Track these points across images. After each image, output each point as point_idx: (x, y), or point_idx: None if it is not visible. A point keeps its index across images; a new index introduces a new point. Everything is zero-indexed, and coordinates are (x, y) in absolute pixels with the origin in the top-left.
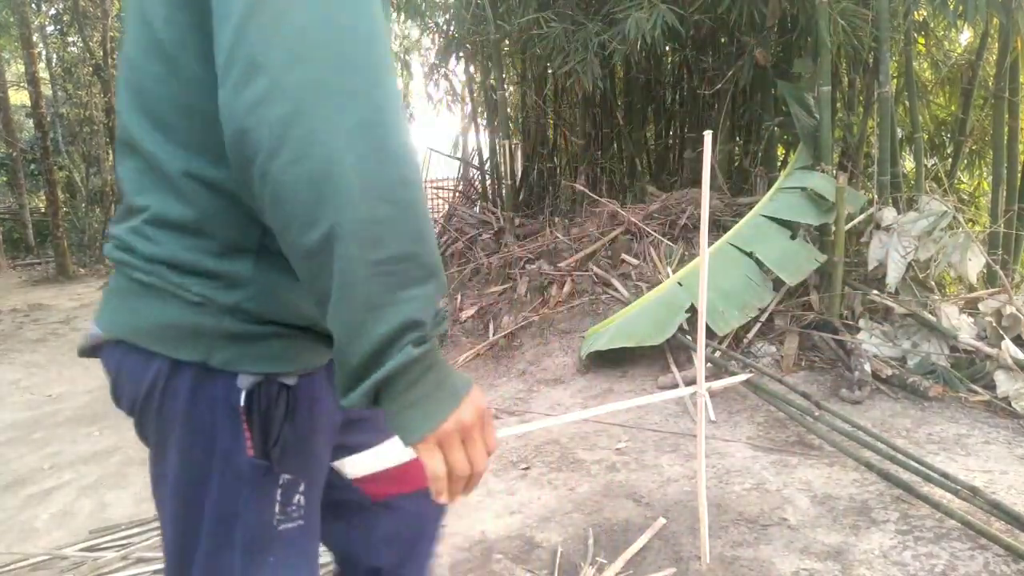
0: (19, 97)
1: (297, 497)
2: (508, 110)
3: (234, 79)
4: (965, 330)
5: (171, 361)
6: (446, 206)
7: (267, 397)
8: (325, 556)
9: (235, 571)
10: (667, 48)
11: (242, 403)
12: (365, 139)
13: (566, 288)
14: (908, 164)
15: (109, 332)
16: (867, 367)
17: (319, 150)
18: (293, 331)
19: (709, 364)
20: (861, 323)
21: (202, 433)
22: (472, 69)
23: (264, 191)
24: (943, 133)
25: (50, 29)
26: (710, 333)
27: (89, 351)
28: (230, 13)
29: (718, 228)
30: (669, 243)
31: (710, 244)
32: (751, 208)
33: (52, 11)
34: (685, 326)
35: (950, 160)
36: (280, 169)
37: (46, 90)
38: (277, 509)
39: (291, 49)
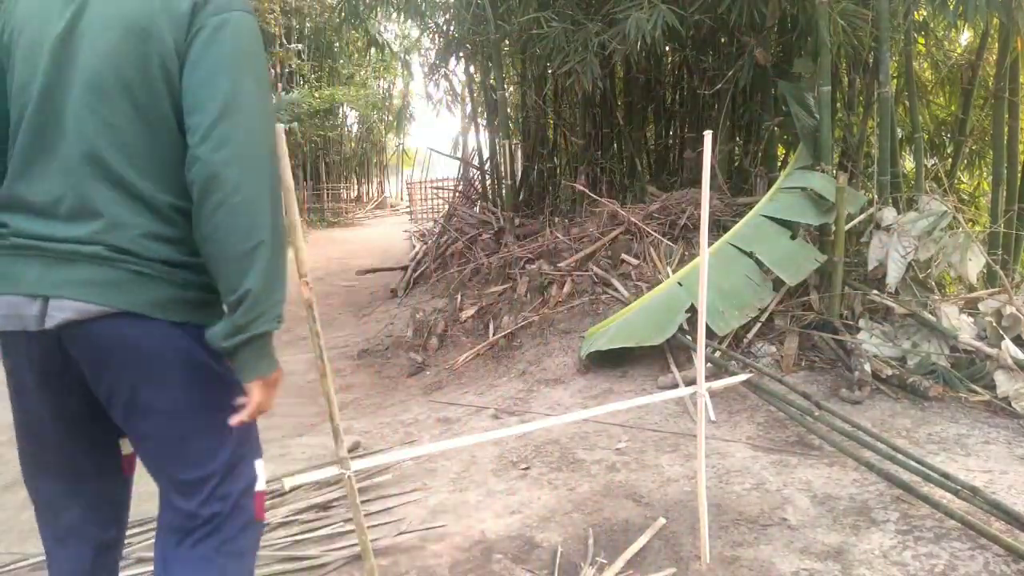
0: None
1: (234, 385)
2: (508, 110)
3: (210, 146)
4: (965, 330)
5: (168, 322)
6: (446, 206)
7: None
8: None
9: (247, 440)
10: (667, 48)
11: (196, 338)
12: (272, 195)
13: (566, 288)
14: (908, 164)
15: (111, 306)
16: (867, 367)
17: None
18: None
19: (709, 364)
20: (861, 323)
21: (196, 359)
22: (472, 69)
23: (217, 213)
24: (943, 133)
25: None
26: (710, 333)
27: (73, 324)
28: (207, 109)
29: (718, 228)
30: (669, 243)
31: (710, 244)
32: (751, 208)
33: None
34: (685, 326)
35: (950, 160)
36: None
37: None
38: (235, 391)
39: (242, 139)
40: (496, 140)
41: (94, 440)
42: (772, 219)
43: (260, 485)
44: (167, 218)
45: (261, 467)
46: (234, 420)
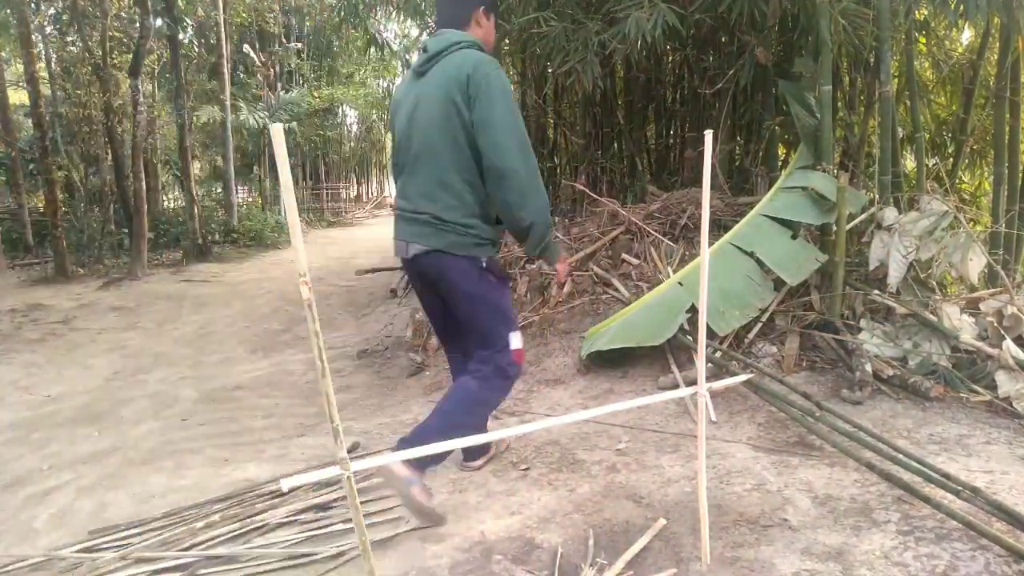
0: (18, 97)
1: (507, 291)
2: None
3: (494, 154)
4: (966, 330)
5: (459, 256)
6: None
7: (492, 262)
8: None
9: (507, 316)
10: (667, 47)
11: (484, 266)
12: (537, 181)
13: (566, 288)
14: (909, 164)
15: (434, 247)
16: (868, 367)
17: (512, 191)
18: (493, 245)
19: (710, 364)
20: (862, 323)
21: (482, 280)
22: None
23: (508, 193)
24: (944, 133)
25: (49, 29)
26: (711, 333)
27: (411, 259)
28: (491, 135)
29: (719, 228)
30: (670, 243)
31: (711, 244)
32: (752, 207)
33: (51, 11)
34: (686, 326)
35: (951, 160)
36: (516, 186)
37: (45, 90)
38: (507, 295)
39: (513, 143)
40: None
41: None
42: (773, 219)
43: (516, 345)
44: (464, 201)
45: (517, 336)
46: (560, 277)
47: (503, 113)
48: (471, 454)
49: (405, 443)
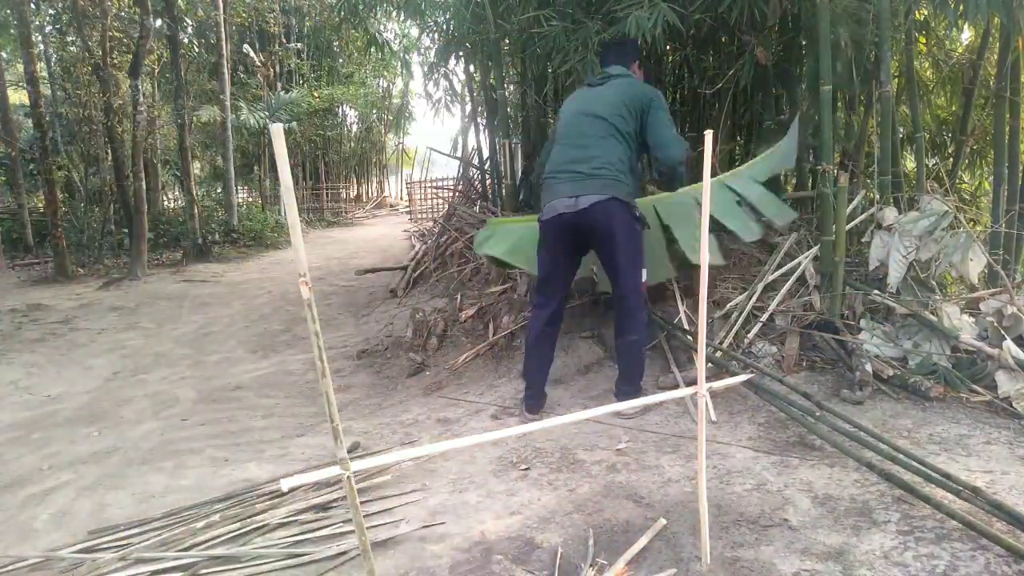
0: (18, 97)
1: (645, 234)
2: (508, 109)
3: (665, 153)
4: (966, 330)
5: (624, 203)
6: (446, 206)
7: (641, 214)
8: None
9: (642, 264)
10: (667, 47)
11: (639, 216)
12: (685, 160)
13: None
14: (909, 164)
15: (606, 195)
16: (868, 367)
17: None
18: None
19: (710, 364)
20: (862, 323)
21: (635, 224)
22: (472, 68)
23: (674, 175)
24: (944, 133)
25: (49, 29)
26: (711, 334)
27: (584, 209)
28: (664, 139)
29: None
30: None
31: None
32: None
33: (51, 11)
34: (687, 326)
35: (951, 160)
36: (673, 161)
37: (45, 90)
38: (645, 241)
39: (675, 152)
40: (496, 140)
41: (573, 266)
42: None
43: (645, 278)
44: (625, 164)
45: (646, 272)
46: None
47: (670, 126)
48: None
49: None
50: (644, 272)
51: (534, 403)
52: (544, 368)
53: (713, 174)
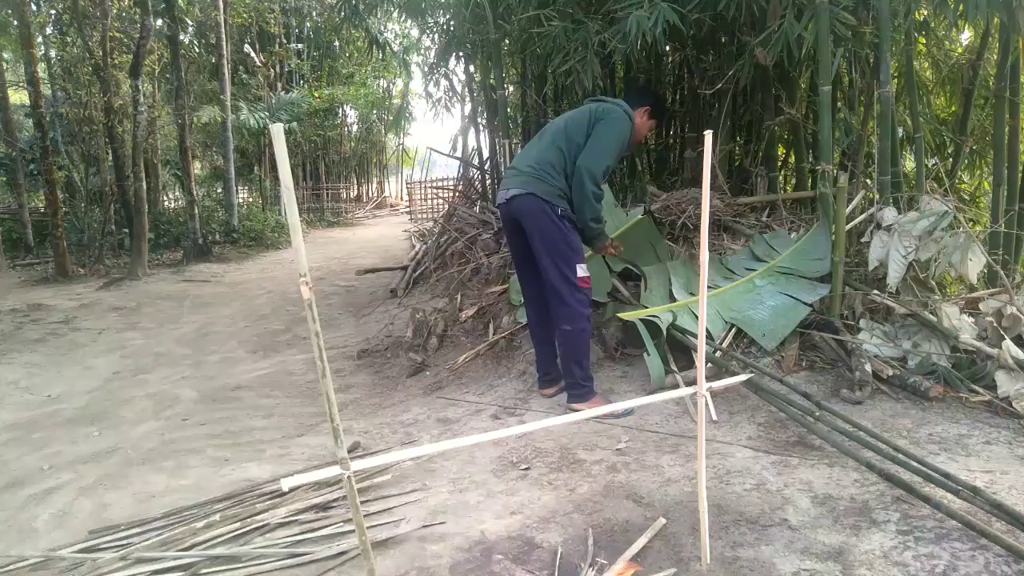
0: (19, 97)
1: (575, 236)
2: (508, 110)
3: (582, 155)
4: (966, 330)
5: (543, 200)
6: (446, 206)
7: (566, 213)
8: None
9: (578, 255)
10: (667, 47)
11: (560, 214)
12: (591, 185)
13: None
14: (909, 164)
15: (525, 190)
16: (868, 367)
17: (584, 184)
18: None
19: (709, 364)
20: (862, 323)
21: (557, 221)
22: (472, 68)
23: (575, 182)
24: (944, 133)
25: (50, 29)
26: (711, 333)
27: (509, 199)
28: (590, 143)
29: (718, 228)
30: (670, 243)
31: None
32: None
33: (52, 11)
34: (686, 326)
35: (951, 160)
36: (580, 187)
37: (46, 90)
38: (576, 237)
39: (591, 156)
40: (496, 140)
41: (532, 262)
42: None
43: (582, 273)
44: (561, 177)
45: (584, 267)
46: (608, 252)
47: (605, 138)
48: (575, 398)
49: (568, 389)
50: (580, 267)
51: (544, 382)
52: (548, 354)
53: (713, 174)
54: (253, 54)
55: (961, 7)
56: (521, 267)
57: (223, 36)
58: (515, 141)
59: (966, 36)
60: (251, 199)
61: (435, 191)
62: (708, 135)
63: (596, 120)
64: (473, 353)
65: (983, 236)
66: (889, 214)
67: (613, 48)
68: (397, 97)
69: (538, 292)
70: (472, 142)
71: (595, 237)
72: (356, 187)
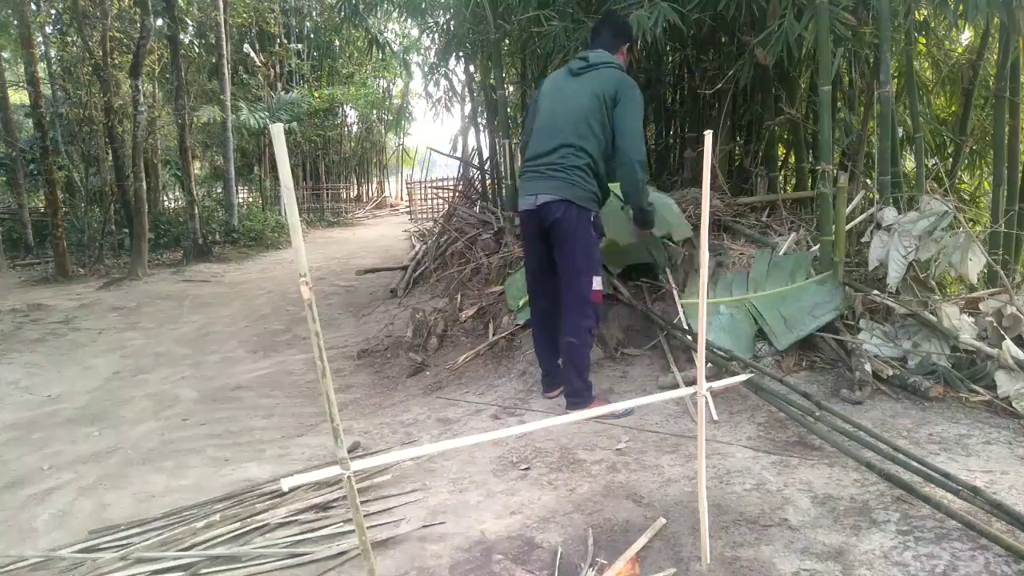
0: (18, 97)
1: (599, 246)
2: (508, 109)
3: (624, 144)
4: (966, 330)
5: (579, 207)
6: (446, 206)
7: (598, 220)
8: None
9: (597, 267)
10: (667, 47)
11: (592, 219)
12: (642, 173)
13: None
14: (909, 164)
15: (559, 196)
16: (868, 367)
17: (636, 173)
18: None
19: (709, 364)
20: (862, 323)
21: (589, 230)
22: (472, 68)
23: (626, 175)
24: (944, 133)
25: (50, 29)
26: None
27: (540, 206)
28: (625, 130)
29: (718, 228)
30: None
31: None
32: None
33: (52, 11)
34: (686, 326)
35: (951, 160)
36: (632, 177)
37: (46, 90)
38: (598, 248)
39: (634, 145)
40: (496, 140)
41: (551, 269)
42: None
43: (597, 287)
44: (590, 164)
45: (599, 280)
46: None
47: (635, 120)
48: (575, 405)
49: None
50: (596, 280)
51: (547, 384)
52: (550, 355)
53: (713, 174)
54: (253, 54)
55: (961, 7)
56: (538, 273)
57: (223, 36)
58: (515, 141)
59: (966, 36)
60: (251, 199)
61: (435, 191)
62: (708, 135)
63: (609, 101)
64: (473, 353)
65: (983, 236)
66: (889, 214)
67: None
68: (397, 97)
69: (552, 301)
70: (472, 142)
71: (647, 219)
72: (356, 187)
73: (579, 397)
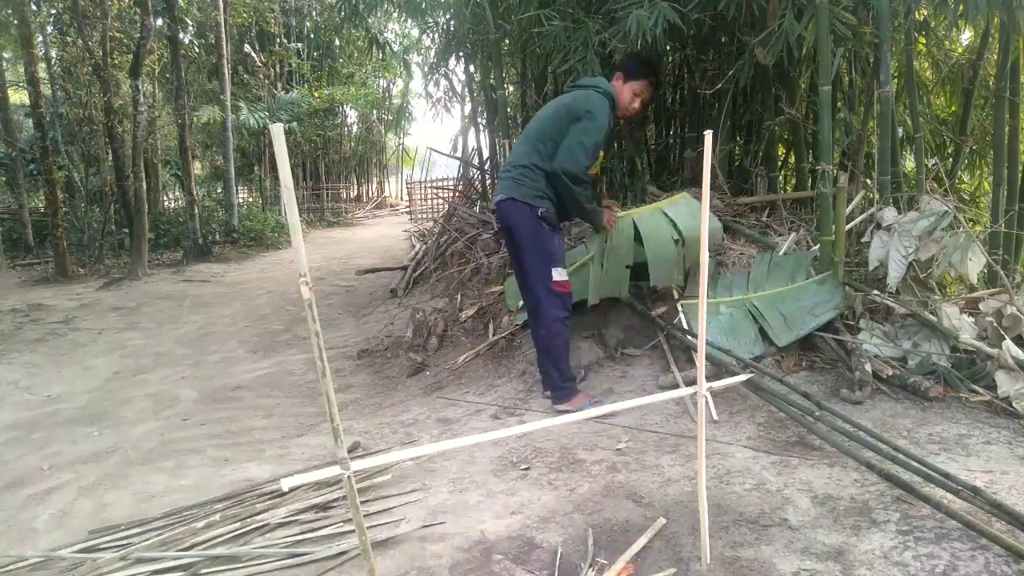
0: (18, 97)
1: (559, 238)
2: (508, 109)
3: (558, 155)
4: (966, 330)
5: (524, 203)
6: (446, 206)
7: (546, 214)
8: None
9: (554, 258)
10: (667, 47)
11: (540, 215)
12: (576, 183)
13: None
14: (909, 164)
15: (507, 196)
16: (868, 367)
17: (563, 183)
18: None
19: (709, 364)
20: (862, 323)
21: (537, 224)
22: (472, 68)
23: (557, 183)
24: (944, 133)
25: (50, 29)
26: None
27: (496, 205)
28: (565, 144)
29: None
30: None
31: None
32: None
33: (52, 11)
34: (686, 325)
35: (951, 160)
36: (562, 188)
37: (46, 90)
38: (557, 240)
39: (566, 156)
40: (496, 140)
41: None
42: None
43: (558, 277)
44: (540, 173)
45: (561, 271)
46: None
47: (581, 136)
48: (558, 399)
49: (552, 392)
50: (556, 271)
51: (546, 383)
52: None
53: (713, 174)
54: (253, 54)
55: (961, 7)
56: (518, 271)
57: (223, 36)
58: (515, 141)
59: (966, 36)
60: (251, 199)
61: (435, 191)
62: (708, 135)
63: (574, 117)
64: (473, 353)
65: (983, 236)
66: (889, 214)
67: (613, 48)
68: (397, 97)
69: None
70: (472, 142)
71: (592, 220)
72: (356, 187)
73: (561, 391)
